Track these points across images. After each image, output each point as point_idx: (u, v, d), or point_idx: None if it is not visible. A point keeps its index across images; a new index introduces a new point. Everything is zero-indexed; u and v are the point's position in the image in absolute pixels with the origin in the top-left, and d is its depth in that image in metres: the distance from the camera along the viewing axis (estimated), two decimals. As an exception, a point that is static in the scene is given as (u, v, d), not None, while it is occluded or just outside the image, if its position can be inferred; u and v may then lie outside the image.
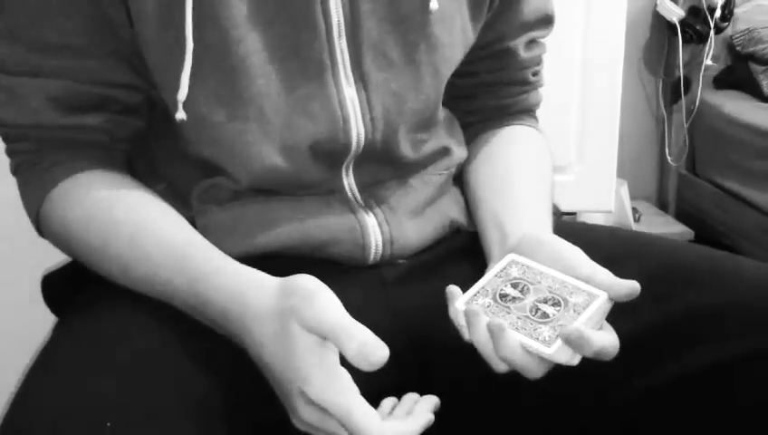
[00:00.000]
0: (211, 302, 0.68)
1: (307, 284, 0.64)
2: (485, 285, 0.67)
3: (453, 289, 0.69)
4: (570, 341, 0.64)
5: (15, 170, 0.80)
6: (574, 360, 0.65)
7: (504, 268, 0.70)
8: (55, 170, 0.77)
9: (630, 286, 0.67)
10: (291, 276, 0.66)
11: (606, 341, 0.66)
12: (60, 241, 0.79)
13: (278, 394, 0.65)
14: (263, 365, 0.65)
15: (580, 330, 0.64)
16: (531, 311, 0.66)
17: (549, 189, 0.88)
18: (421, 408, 0.65)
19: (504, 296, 0.66)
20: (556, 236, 0.75)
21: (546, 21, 0.91)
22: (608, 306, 0.68)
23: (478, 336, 0.66)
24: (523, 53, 0.90)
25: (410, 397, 0.67)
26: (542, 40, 0.93)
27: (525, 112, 0.95)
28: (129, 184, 0.77)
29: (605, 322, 0.69)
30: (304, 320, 0.62)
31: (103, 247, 0.74)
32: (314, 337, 0.62)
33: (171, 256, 0.71)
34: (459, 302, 0.67)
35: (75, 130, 0.76)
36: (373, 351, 0.60)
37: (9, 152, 0.79)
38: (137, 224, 0.73)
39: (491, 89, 0.93)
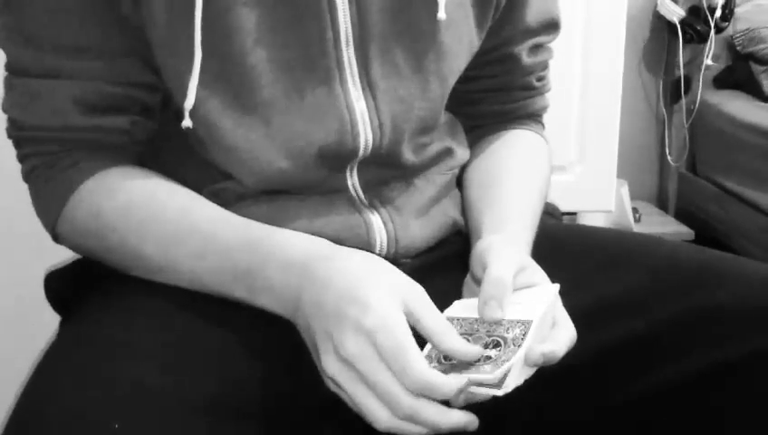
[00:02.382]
0: (274, 256, 0.68)
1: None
2: (429, 353, 0.66)
3: None
4: (539, 364, 0.64)
5: (28, 175, 0.79)
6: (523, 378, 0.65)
7: None
8: (81, 168, 0.76)
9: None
10: None
11: (565, 339, 0.66)
12: (88, 235, 0.76)
13: (315, 341, 0.63)
14: (315, 306, 0.64)
15: (544, 354, 0.63)
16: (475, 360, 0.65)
17: (538, 195, 0.87)
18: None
19: (447, 356, 0.65)
20: (503, 249, 0.72)
21: (551, 26, 0.90)
22: (550, 310, 0.68)
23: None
24: (527, 59, 0.90)
25: None
26: (548, 45, 0.92)
27: (529, 117, 0.94)
28: (161, 175, 0.78)
29: (561, 313, 0.69)
30: (406, 290, 0.63)
31: (143, 230, 0.73)
32: (396, 293, 0.62)
33: (227, 225, 0.71)
34: None
35: (99, 132, 0.76)
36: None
37: (22, 156, 0.79)
38: (183, 202, 0.74)
39: (494, 94, 0.92)
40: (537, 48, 0.91)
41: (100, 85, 0.74)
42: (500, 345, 0.65)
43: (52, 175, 0.77)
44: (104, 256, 0.77)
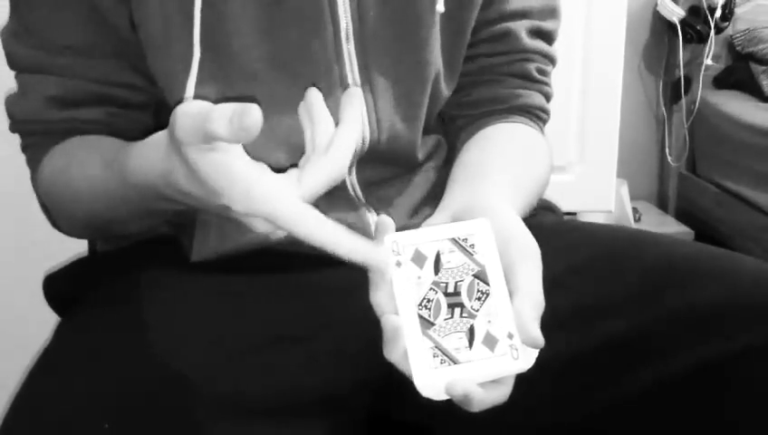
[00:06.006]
0: (135, 173, 0.64)
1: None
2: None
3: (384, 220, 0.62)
4: (451, 391, 0.58)
5: (28, 164, 0.82)
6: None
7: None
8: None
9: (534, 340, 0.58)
10: None
11: (488, 399, 0.60)
12: (53, 206, 0.80)
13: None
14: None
15: (470, 393, 0.58)
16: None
17: (534, 185, 0.81)
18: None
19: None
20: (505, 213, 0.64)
21: (550, 12, 0.87)
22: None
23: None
24: (527, 40, 0.86)
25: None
26: (550, 34, 0.88)
27: (526, 112, 0.88)
28: (81, 145, 0.78)
29: (521, 279, 0.61)
30: (176, 119, 0.56)
31: (67, 187, 0.75)
32: (194, 146, 0.56)
33: (107, 178, 0.69)
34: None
35: (74, 122, 0.78)
36: (246, 111, 0.52)
37: (23, 147, 0.82)
38: (88, 155, 0.74)
39: (490, 78, 0.87)
40: (538, 34, 0.87)
41: (80, 83, 0.76)
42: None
43: (36, 165, 0.80)
44: (69, 217, 0.80)
